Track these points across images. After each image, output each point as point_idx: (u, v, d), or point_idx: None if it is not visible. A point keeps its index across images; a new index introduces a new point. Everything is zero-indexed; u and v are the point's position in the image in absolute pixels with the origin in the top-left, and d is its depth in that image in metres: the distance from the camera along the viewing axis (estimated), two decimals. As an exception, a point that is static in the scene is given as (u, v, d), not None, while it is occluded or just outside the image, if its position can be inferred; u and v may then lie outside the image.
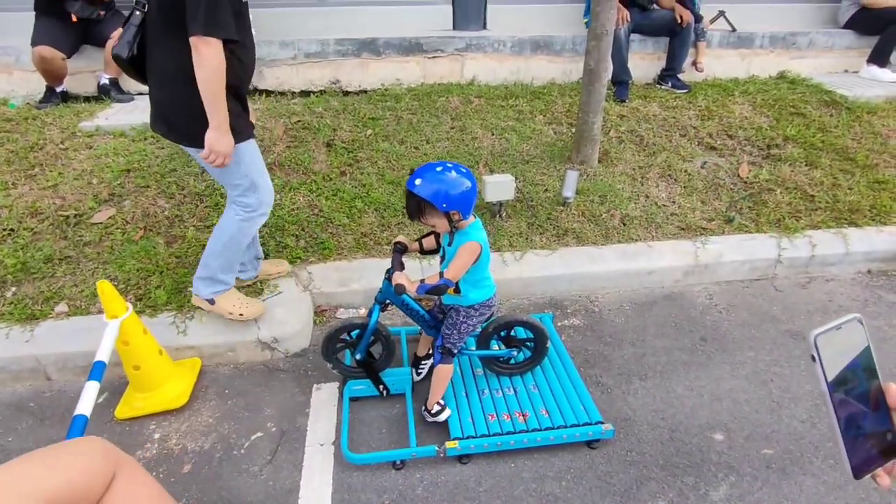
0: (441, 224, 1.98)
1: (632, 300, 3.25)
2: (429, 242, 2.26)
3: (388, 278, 2.17)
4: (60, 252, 2.96)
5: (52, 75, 4.21)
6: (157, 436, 2.33)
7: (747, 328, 3.03)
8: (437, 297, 2.19)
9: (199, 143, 2.19)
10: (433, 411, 2.31)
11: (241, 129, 2.28)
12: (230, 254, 2.54)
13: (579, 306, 3.19)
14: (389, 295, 2.21)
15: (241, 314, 2.65)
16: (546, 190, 3.73)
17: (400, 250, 2.20)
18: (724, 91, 5.01)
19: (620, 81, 4.82)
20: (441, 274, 2.03)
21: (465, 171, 1.94)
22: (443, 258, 2.15)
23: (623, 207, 3.63)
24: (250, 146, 2.37)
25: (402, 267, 2.10)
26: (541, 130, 4.37)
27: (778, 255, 3.44)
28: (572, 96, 4.79)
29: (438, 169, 1.91)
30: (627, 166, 4.03)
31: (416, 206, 1.94)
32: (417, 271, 3.13)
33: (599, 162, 4.05)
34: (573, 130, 4.18)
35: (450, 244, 2.07)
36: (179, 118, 2.23)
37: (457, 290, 2.14)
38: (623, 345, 2.89)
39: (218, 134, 2.14)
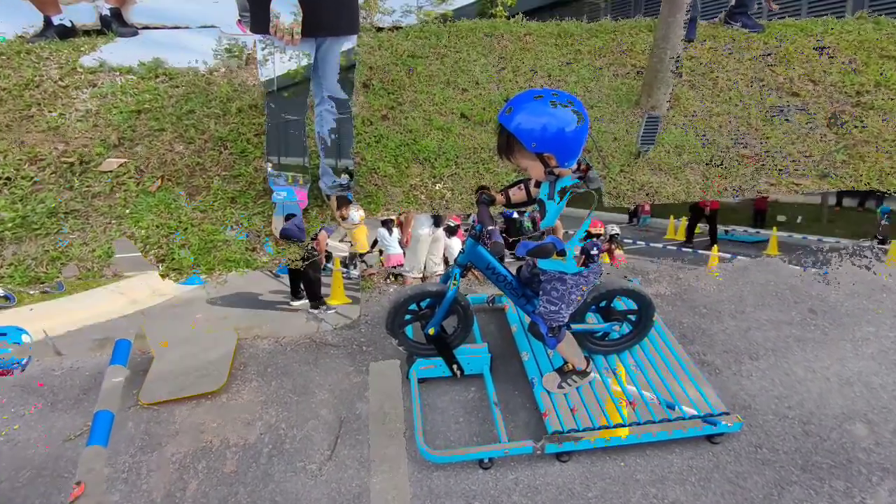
0: (534, 168, 1.59)
1: (721, 265, 2.83)
2: (517, 194, 1.84)
3: (475, 236, 1.76)
4: (66, 204, 2.53)
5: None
6: (189, 424, 1.95)
7: (858, 298, 2.63)
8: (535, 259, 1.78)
9: None
10: (578, 369, 1.95)
11: None
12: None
13: (662, 272, 2.77)
14: (475, 256, 1.80)
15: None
16: (615, 139, 3.27)
17: (486, 201, 1.77)
18: (801, 31, 4.45)
19: (689, 18, 4.25)
20: (543, 234, 1.61)
21: (572, 104, 1.49)
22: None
23: (701, 160, 3.17)
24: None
25: (493, 222, 1.68)
26: (601, 71, 3.85)
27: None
28: (632, 35, 4.25)
29: (537, 97, 1.50)
30: (701, 113, 3.54)
31: (506, 142, 1.58)
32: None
33: (670, 108, 3.57)
34: (637, 72, 3.68)
35: (549, 196, 1.64)
36: None
37: (560, 254, 1.72)
38: (722, 317, 2.49)
39: None
